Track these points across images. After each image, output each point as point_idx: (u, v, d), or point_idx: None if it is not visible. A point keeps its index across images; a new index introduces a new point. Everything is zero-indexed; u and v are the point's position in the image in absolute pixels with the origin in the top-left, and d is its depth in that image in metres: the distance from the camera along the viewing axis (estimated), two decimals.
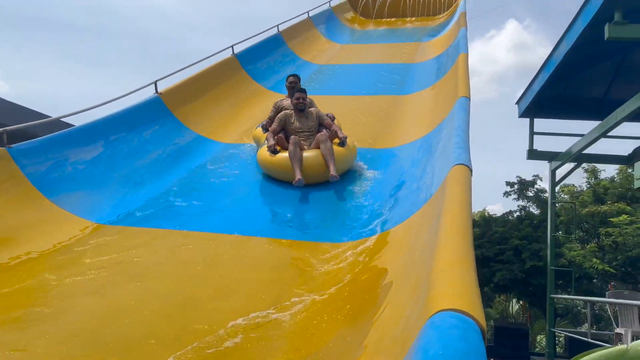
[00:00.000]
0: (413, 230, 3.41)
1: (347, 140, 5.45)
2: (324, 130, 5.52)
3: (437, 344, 1.17)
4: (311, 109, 5.79)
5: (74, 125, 5.59)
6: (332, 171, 4.96)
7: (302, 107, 5.64)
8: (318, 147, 5.24)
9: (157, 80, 6.26)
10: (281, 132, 5.57)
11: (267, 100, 7.77)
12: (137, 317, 2.90)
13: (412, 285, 2.20)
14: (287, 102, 6.10)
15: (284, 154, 5.19)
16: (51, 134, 4.77)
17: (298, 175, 4.92)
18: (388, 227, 4.01)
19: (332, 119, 5.94)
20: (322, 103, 7.78)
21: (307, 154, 5.19)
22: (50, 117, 6.69)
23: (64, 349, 2.51)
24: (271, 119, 5.94)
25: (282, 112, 5.73)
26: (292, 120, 5.63)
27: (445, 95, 6.27)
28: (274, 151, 5.25)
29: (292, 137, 5.28)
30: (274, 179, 5.31)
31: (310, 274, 3.50)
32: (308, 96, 5.92)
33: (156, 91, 6.21)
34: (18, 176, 4.14)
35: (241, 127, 6.73)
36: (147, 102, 6.01)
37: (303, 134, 5.53)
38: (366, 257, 3.69)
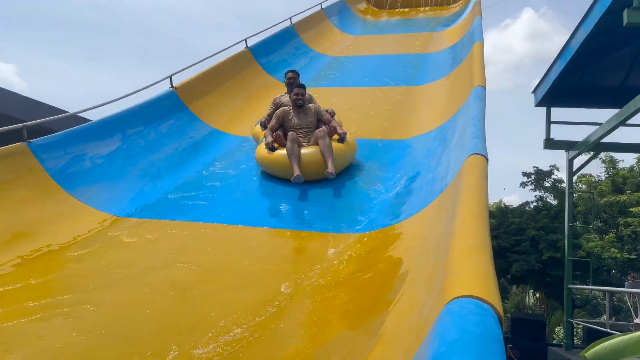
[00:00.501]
0: (428, 220, 3.40)
1: (347, 136, 5.33)
2: (323, 126, 5.40)
3: (454, 330, 1.18)
4: (310, 105, 5.65)
5: (90, 120, 5.66)
6: (330, 168, 4.87)
7: (300, 103, 5.51)
8: (317, 144, 5.14)
9: (172, 75, 6.31)
10: (280, 129, 5.45)
11: (280, 92, 7.78)
12: (154, 308, 2.95)
13: (428, 275, 2.20)
14: (286, 98, 5.95)
15: (282, 151, 5.08)
16: (69, 129, 4.84)
17: (296, 171, 4.83)
18: (402, 218, 4.00)
19: (332, 114, 5.80)
20: (336, 95, 7.78)
21: (305, 150, 5.10)
22: (67, 112, 6.78)
23: (84, 340, 2.57)
24: (270, 116, 5.82)
25: (280, 109, 5.61)
26: (291, 117, 5.51)
27: (461, 85, 6.22)
28: (271, 148, 5.16)
29: (290, 133, 5.18)
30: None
31: (323, 264, 3.52)
32: (308, 92, 5.79)
33: (171, 85, 6.26)
34: (38, 170, 4.22)
35: (255, 120, 6.74)
36: (162, 96, 6.07)
37: (302, 130, 5.42)
38: (380, 248, 3.69)
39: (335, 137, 5.29)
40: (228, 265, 3.61)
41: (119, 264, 3.53)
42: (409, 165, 5.21)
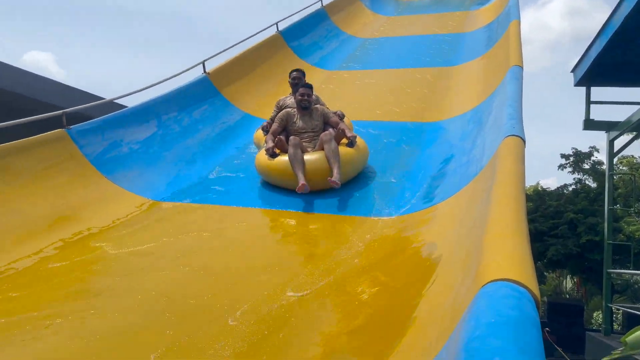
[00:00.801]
0: (463, 204, 3.36)
1: (357, 140, 4.85)
2: (330, 129, 4.91)
3: (489, 313, 1.16)
4: (316, 106, 5.12)
5: (126, 107, 5.78)
6: (334, 176, 4.36)
7: (306, 104, 4.97)
8: (323, 149, 4.64)
9: (205, 60, 6.38)
10: (283, 133, 4.96)
11: (311, 77, 7.74)
12: (192, 289, 3.02)
13: (462, 258, 2.18)
14: (291, 100, 5.43)
15: (284, 158, 4.58)
16: (107, 115, 4.97)
17: (302, 180, 4.31)
18: (436, 202, 3.96)
19: (341, 117, 5.26)
20: (367, 78, 7.70)
21: (309, 156, 4.57)
22: (104, 99, 6.94)
23: (125, 319, 2.65)
24: (273, 120, 5.26)
25: (283, 111, 5.10)
26: (295, 120, 5.00)
27: (496, 64, 6.07)
28: (272, 154, 4.67)
29: (292, 137, 4.66)
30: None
31: (355, 247, 3.52)
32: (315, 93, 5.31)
33: (204, 71, 6.33)
34: (78, 156, 4.35)
35: None
36: (196, 82, 6.15)
37: (307, 134, 4.92)
38: (413, 231, 3.67)
39: (344, 141, 4.80)
40: (259, 248, 3.66)
41: (157, 246, 3.62)
42: (443, 147, 5.13)
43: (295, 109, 5.08)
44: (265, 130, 5.22)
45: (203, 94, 6.14)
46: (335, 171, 4.39)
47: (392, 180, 4.77)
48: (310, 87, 5.07)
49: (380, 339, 2.35)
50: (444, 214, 3.58)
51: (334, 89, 7.40)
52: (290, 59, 7.97)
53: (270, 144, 4.74)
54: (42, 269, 3.19)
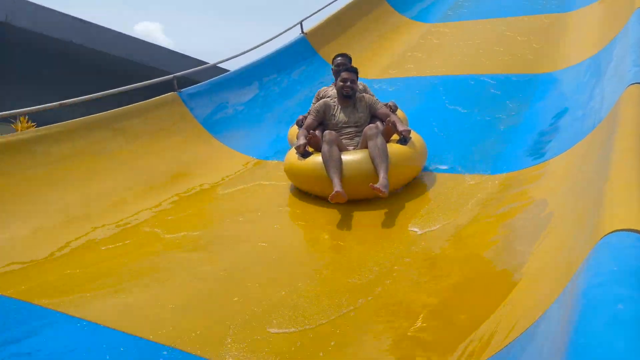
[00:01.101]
0: (577, 159, 3.15)
1: (412, 135, 3.84)
2: (377, 122, 3.98)
3: (610, 263, 1.09)
4: (362, 95, 4.11)
5: (229, 71, 6.02)
6: (380, 181, 3.38)
7: (348, 92, 3.97)
8: (367, 147, 3.67)
9: (302, 20, 6.42)
10: (319, 128, 4.03)
11: (410, 31, 7.51)
12: (294, 241, 3.20)
13: (578, 215, 2.06)
14: (334, 90, 4.41)
15: (317, 158, 3.66)
16: (212, 79, 5.22)
17: (337, 187, 3.37)
18: (547, 158, 3.74)
19: (393, 109, 4.29)
20: (470, 29, 7.32)
21: (348, 156, 3.62)
22: (208, 63, 7.27)
23: (234, 266, 2.84)
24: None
25: (320, 101, 4.13)
26: (334, 111, 4.04)
27: (618, 8, 5.49)
28: (304, 153, 3.76)
29: (327, 132, 3.73)
30: None
31: (458, 205, 3.44)
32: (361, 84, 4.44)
33: (302, 31, 6.38)
34: (188, 117, 4.64)
35: (384, 62, 6.64)
36: (293, 43, 6.24)
37: (348, 129, 3.98)
38: (522, 189, 3.50)
39: (395, 137, 3.87)
40: (360, 204, 3.69)
41: (263, 201, 3.81)
42: (555, 100, 4.79)
43: (335, 99, 4.13)
44: (301, 124, 4.31)
45: (301, 55, 6.23)
46: (381, 175, 3.43)
47: (500, 135, 4.54)
48: (354, 71, 4.06)
49: (487, 295, 2.31)
50: (556, 170, 3.38)
51: (435, 43, 7.13)
52: (388, 14, 7.77)
53: (302, 141, 3.81)
54: (160, 220, 3.48)
